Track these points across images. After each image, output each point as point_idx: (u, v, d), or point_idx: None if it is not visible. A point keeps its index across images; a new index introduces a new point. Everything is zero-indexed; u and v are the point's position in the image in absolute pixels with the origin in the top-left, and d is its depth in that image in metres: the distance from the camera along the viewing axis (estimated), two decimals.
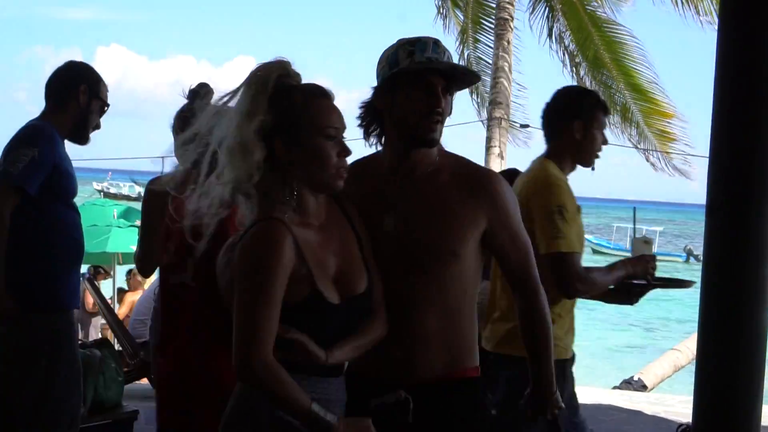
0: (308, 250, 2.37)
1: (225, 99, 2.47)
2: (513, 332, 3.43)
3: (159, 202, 4.28)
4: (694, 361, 15.89)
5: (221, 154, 2.38)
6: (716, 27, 15.53)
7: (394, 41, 2.67)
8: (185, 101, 4.41)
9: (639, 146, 16.53)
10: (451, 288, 2.65)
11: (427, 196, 2.63)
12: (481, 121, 16.23)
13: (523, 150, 17.42)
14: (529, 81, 18.45)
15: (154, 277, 6.23)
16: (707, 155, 5.30)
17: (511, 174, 6.46)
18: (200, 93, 4.39)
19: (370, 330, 2.50)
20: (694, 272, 48.87)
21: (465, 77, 2.72)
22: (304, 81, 2.49)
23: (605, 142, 4.09)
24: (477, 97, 17.17)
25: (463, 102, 17.23)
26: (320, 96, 2.44)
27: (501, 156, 14.42)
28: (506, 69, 15.05)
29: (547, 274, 3.22)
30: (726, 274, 5.00)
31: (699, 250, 56.92)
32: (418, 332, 2.62)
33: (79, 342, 4.92)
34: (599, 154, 4.13)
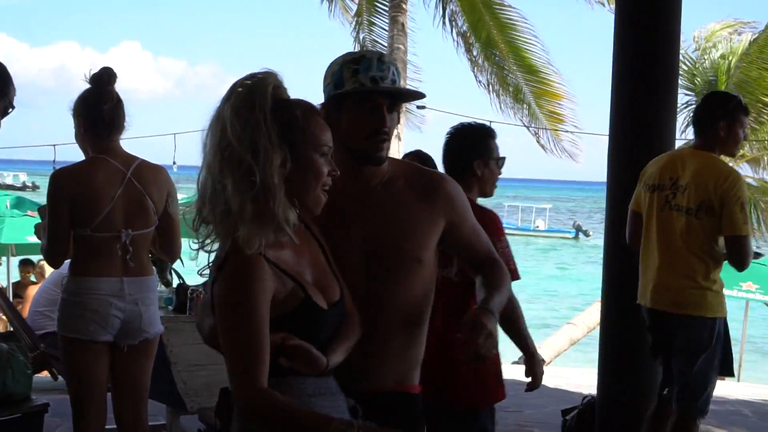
0: (289, 268, 2.36)
1: (216, 113, 2.36)
2: (703, 296, 4.74)
3: (65, 192, 4.23)
4: (589, 334, 16.35)
5: (217, 170, 2.29)
6: (606, 7, 15.68)
7: (339, 55, 2.67)
8: (88, 86, 4.36)
9: (530, 127, 16.84)
10: (413, 294, 2.70)
11: (386, 206, 2.66)
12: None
13: (416, 132, 17.60)
14: (425, 62, 18.64)
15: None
16: (595, 134, 5.56)
17: (419, 156, 6.56)
18: (103, 78, 4.36)
19: (353, 332, 2.53)
20: (582, 247, 50.13)
21: (410, 94, 2.78)
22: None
23: (746, 137, 5.04)
24: None
25: None
26: (316, 112, 2.46)
27: (398, 138, 14.50)
28: (402, 51, 15.13)
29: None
30: (626, 250, 5.18)
31: (587, 226, 58.40)
32: (379, 341, 2.65)
33: None
34: (740, 145, 5.13)
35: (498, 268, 2.82)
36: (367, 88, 2.57)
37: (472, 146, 4.11)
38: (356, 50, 2.69)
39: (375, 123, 2.59)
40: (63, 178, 4.24)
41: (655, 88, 5.75)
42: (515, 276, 3.63)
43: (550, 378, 8.86)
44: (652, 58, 5.79)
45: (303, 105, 2.42)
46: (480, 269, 2.80)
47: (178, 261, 4.72)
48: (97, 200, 4.18)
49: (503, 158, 4.14)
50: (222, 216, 2.28)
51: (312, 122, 2.39)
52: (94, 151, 4.28)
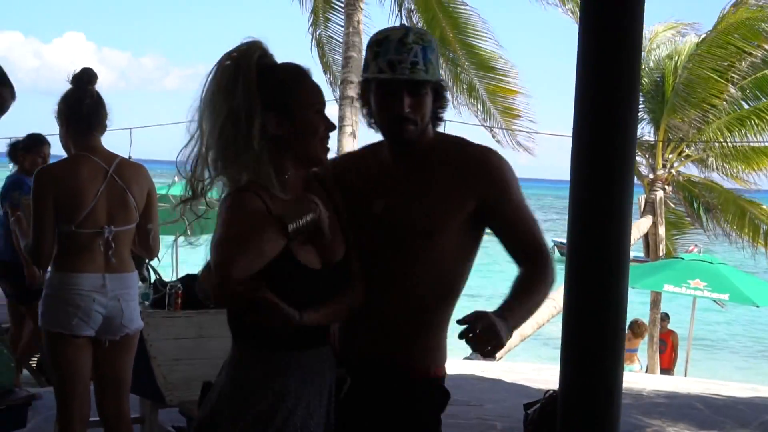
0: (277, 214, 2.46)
1: (205, 88, 2.51)
2: None
3: (49, 190, 4.28)
4: (538, 330, 16.48)
5: (213, 138, 2.46)
6: (559, 8, 15.81)
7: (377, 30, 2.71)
8: (69, 87, 4.41)
9: (485, 124, 16.99)
10: (420, 272, 2.68)
11: (415, 180, 2.68)
12: (335, 99, 16.37)
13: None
14: None
15: None
16: (558, 135, 5.64)
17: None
18: (83, 78, 4.41)
19: (346, 296, 2.60)
20: None
21: (419, 82, 2.70)
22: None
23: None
24: (330, 75, 17.28)
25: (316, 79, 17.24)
26: (303, 74, 2.56)
27: (353, 135, 14.58)
28: (357, 48, 15.18)
29: None
30: (589, 246, 5.30)
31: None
32: (385, 322, 2.68)
33: None
34: None
35: (541, 264, 2.82)
36: (380, 76, 2.61)
37: None
38: (392, 26, 2.72)
39: (394, 109, 2.62)
40: (46, 176, 4.34)
41: (619, 86, 5.85)
42: None
43: (507, 373, 9.04)
44: (616, 56, 5.88)
45: (289, 69, 2.56)
46: (521, 263, 2.78)
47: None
48: (81, 196, 4.26)
49: None
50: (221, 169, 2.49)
51: (300, 84, 2.54)
52: (76, 148, 4.35)
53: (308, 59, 17.13)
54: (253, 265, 2.33)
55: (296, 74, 2.55)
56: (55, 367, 4.38)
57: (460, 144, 2.79)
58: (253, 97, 2.44)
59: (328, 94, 17.20)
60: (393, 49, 2.59)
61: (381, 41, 2.63)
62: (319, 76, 16.39)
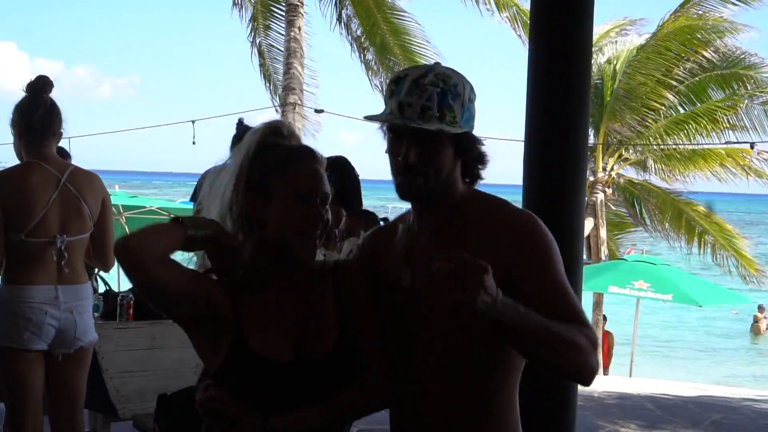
0: (246, 306, 2.26)
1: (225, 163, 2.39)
2: None
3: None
4: None
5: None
6: (496, 15, 15.90)
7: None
8: (24, 94, 4.34)
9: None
10: (445, 355, 2.31)
11: (439, 246, 2.28)
12: (275, 107, 16.29)
13: (310, 138, 17.63)
14: (321, 67, 18.71)
15: None
16: (509, 139, 5.67)
17: (338, 163, 6.64)
18: (38, 86, 4.32)
19: (346, 395, 2.27)
20: None
21: (423, 132, 2.28)
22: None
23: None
24: (269, 83, 17.20)
25: (257, 88, 17.26)
26: (300, 156, 2.31)
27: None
28: (298, 55, 15.15)
29: None
30: None
31: None
32: (418, 412, 2.34)
33: None
34: None
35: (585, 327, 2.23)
36: (389, 119, 2.29)
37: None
38: (420, 65, 2.45)
39: (397, 155, 2.30)
40: None
41: (570, 91, 5.91)
42: None
43: None
44: (565, 62, 5.94)
45: (288, 149, 2.32)
46: None
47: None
48: (31, 204, 4.15)
49: None
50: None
51: (290, 165, 2.29)
52: (28, 156, 4.26)
53: (248, 68, 17.07)
54: (152, 245, 2.13)
55: (290, 154, 2.30)
56: (6, 382, 4.25)
57: (496, 205, 2.40)
58: (240, 175, 2.29)
59: (269, 102, 17.22)
60: (406, 89, 2.26)
61: (399, 79, 2.31)
62: (259, 86, 16.39)
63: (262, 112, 16.82)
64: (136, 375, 4.99)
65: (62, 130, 4.35)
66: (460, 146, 2.33)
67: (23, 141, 4.28)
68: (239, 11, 16.93)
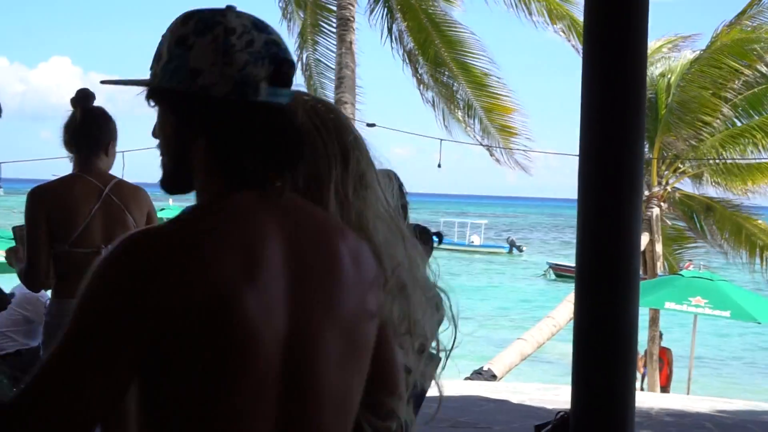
0: None
1: None
2: None
3: (42, 207, 4.21)
4: (540, 350, 16.41)
5: None
6: (550, 27, 15.96)
7: None
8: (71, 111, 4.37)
9: (483, 142, 17.02)
10: None
11: None
12: None
13: None
14: (368, 82, 18.74)
15: None
16: (563, 154, 5.60)
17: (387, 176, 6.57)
18: (80, 99, 4.36)
19: None
20: (517, 264, 50.61)
21: None
22: None
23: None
24: None
25: None
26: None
27: None
28: (350, 69, 15.17)
29: None
30: (600, 266, 5.25)
31: (520, 242, 59.14)
32: None
33: None
34: None
35: None
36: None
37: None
38: None
39: None
40: (39, 194, 4.26)
41: (625, 104, 5.82)
42: None
43: (512, 393, 8.95)
44: (620, 74, 5.86)
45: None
46: None
47: None
48: (74, 214, 4.20)
49: None
50: None
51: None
52: (75, 169, 4.30)
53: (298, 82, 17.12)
54: None
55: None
56: None
57: None
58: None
59: None
60: None
61: None
62: None
63: None
64: None
65: (111, 142, 4.38)
66: (180, 113, 1.65)
67: (73, 154, 4.34)
68: (288, 24, 17.03)
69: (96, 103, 4.40)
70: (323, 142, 1.84)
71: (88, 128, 4.31)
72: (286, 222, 1.62)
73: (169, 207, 28.46)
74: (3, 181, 14.25)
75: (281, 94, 1.64)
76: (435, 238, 5.65)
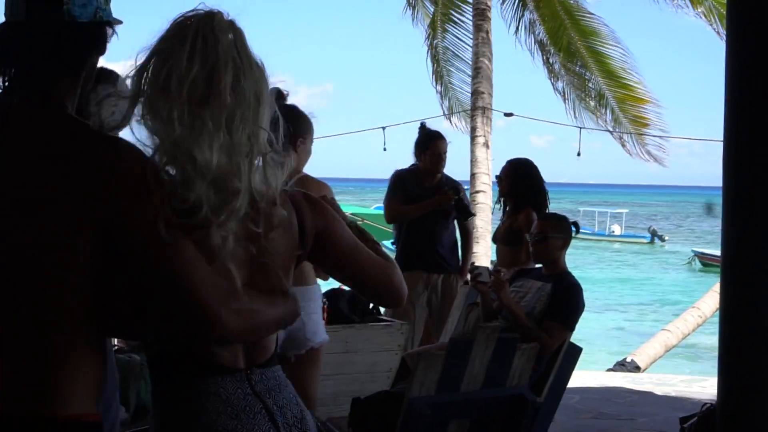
0: None
1: None
2: None
3: None
4: (684, 341, 15.94)
5: None
6: (693, 12, 15.50)
7: None
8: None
9: (614, 131, 16.73)
10: None
11: None
12: (443, 114, 16.46)
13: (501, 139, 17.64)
14: (503, 70, 18.64)
15: None
16: (682, 137, 5.47)
17: (526, 165, 6.56)
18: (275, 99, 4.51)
19: None
20: (659, 253, 49.42)
21: None
22: None
23: None
24: (441, 87, 17.21)
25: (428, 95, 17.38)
26: None
27: (486, 145, 14.49)
28: (487, 58, 15.13)
29: None
30: (746, 256, 5.13)
31: (662, 231, 57.76)
32: None
33: (118, 347, 4.94)
34: None
35: None
36: None
37: None
38: None
39: None
40: None
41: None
42: None
43: (657, 385, 8.79)
44: (766, 56, 5.67)
45: None
46: None
47: None
48: None
49: None
50: None
51: None
52: None
53: (421, 70, 17.25)
54: None
55: None
56: None
57: None
58: None
59: (436, 106, 17.23)
60: None
61: None
62: (428, 88, 16.53)
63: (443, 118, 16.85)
64: (330, 378, 5.07)
65: (300, 138, 4.45)
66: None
67: None
68: (412, 12, 17.04)
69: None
70: None
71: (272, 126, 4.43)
72: None
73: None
74: None
75: None
76: (573, 228, 5.63)
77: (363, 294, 3.00)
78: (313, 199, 2.16)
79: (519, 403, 4.55)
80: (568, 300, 5.28)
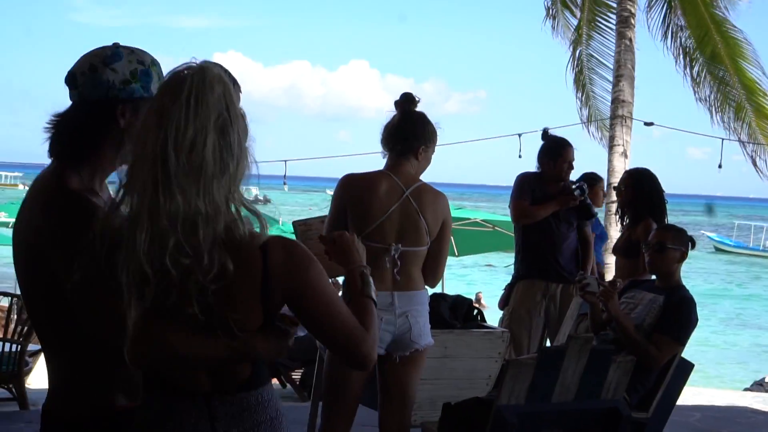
0: None
1: None
2: None
3: (347, 194, 4.46)
4: None
5: None
6: None
7: None
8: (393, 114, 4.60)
9: (755, 143, 16.19)
10: None
11: None
12: (581, 122, 16.17)
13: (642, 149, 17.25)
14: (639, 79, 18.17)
15: None
16: None
17: (645, 174, 6.38)
18: (397, 102, 4.58)
19: None
20: None
21: None
22: None
23: None
24: (582, 95, 16.95)
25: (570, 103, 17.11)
26: None
27: (624, 155, 14.23)
28: (629, 67, 14.84)
29: None
30: None
31: None
32: None
33: None
34: None
35: None
36: None
37: None
38: None
39: None
40: (348, 181, 4.51)
41: None
42: None
43: None
44: None
45: None
46: None
47: None
48: (373, 208, 4.39)
49: None
50: None
51: None
52: (385, 167, 4.51)
53: (560, 78, 16.97)
54: None
55: None
56: (325, 380, 4.52)
57: None
58: None
59: (574, 114, 16.97)
60: None
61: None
62: (568, 96, 16.28)
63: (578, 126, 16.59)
64: (428, 382, 5.06)
65: (423, 146, 4.53)
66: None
67: (386, 152, 4.56)
68: (552, 22, 16.87)
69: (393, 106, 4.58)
70: None
71: (403, 130, 4.50)
72: None
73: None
74: (288, 179, 14.96)
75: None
76: (688, 244, 5.41)
77: (329, 351, 3.29)
78: (293, 252, 2.19)
79: (613, 417, 4.44)
80: (680, 313, 5.14)
